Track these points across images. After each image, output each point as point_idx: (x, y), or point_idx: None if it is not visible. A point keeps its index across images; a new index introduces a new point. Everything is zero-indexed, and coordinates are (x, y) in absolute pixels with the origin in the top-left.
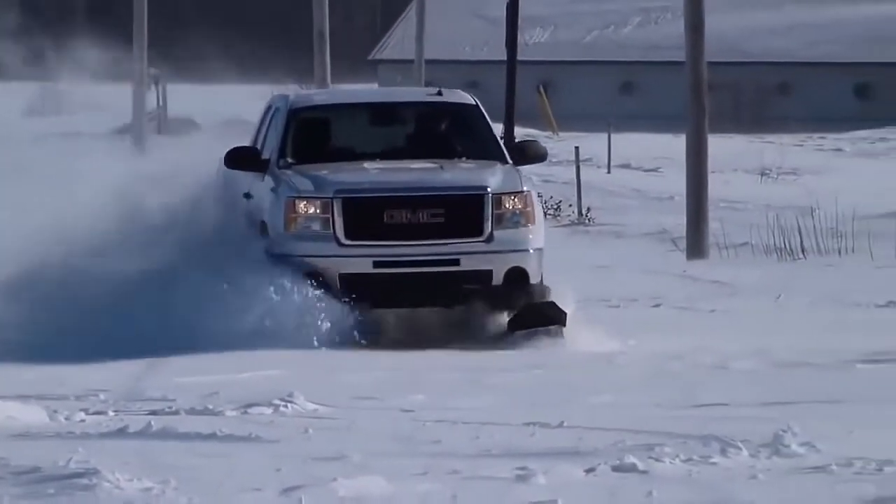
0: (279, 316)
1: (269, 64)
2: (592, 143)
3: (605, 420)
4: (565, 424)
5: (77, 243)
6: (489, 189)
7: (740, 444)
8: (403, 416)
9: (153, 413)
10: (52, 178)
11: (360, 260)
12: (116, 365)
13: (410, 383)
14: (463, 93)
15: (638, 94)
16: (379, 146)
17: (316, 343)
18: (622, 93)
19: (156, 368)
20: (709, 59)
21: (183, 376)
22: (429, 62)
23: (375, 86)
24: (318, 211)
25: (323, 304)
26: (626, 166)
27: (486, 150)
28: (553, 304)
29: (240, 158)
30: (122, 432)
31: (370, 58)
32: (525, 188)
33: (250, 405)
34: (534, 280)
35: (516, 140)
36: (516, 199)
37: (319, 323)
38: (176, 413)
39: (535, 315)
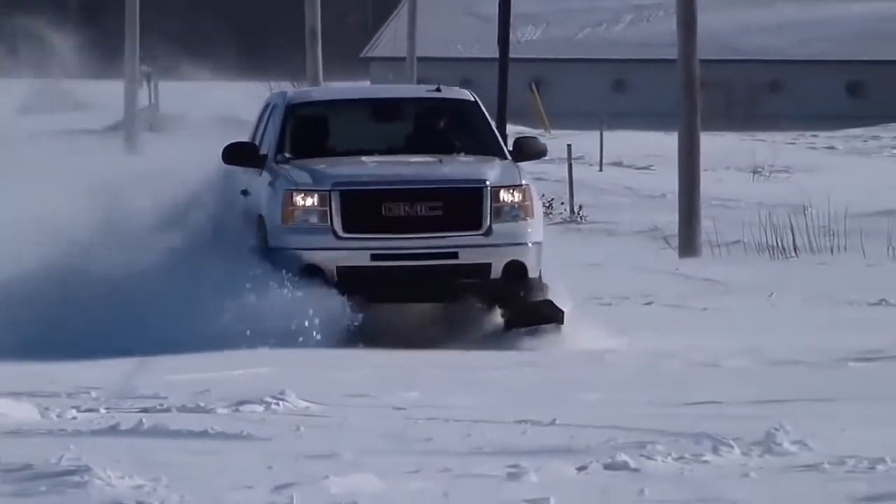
0: (272, 314)
1: (262, 62)
2: (584, 141)
3: (597, 418)
4: (557, 422)
5: (69, 241)
6: (488, 182)
7: (732, 443)
8: (395, 414)
9: (145, 411)
10: (43, 175)
11: (357, 253)
12: (108, 362)
13: (402, 381)
14: (462, 90)
15: (630, 91)
16: (377, 142)
17: (310, 341)
18: (614, 90)
19: (147, 366)
20: (701, 56)
21: (174, 374)
22: (421, 60)
23: (367, 83)
24: (315, 204)
25: (317, 302)
26: (619, 164)
27: (484, 146)
28: (550, 302)
29: (237, 154)
30: (113, 430)
31: (362, 55)
32: (524, 182)
33: (242, 403)
34: (532, 274)
35: (507, 137)
36: (515, 193)
37: (313, 321)
38: (167, 411)
39: (532, 313)
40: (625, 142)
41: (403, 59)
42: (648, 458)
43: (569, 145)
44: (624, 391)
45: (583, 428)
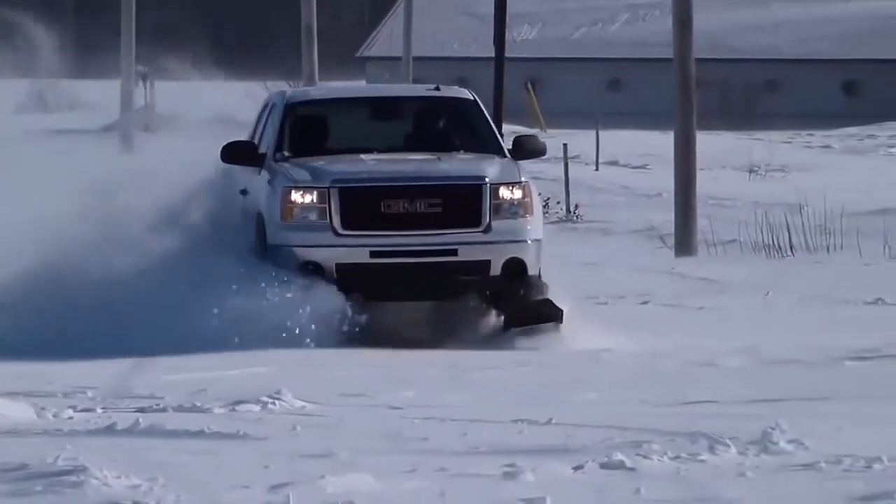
0: (268, 316)
1: (258, 61)
2: (580, 140)
3: (594, 417)
4: (553, 422)
5: (66, 241)
6: (487, 179)
7: (728, 442)
8: (391, 414)
9: (141, 410)
10: (39, 175)
11: (356, 250)
12: (104, 362)
13: (398, 380)
14: (461, 89)
15: (626, 90)
16: (376, 141)
17: (305, 344)
18: (610, 90)
19: (143, 366)
20: (697, 55)
21: (170, 374)
22: (417, 59)
23: (363, 83)
24: (314, 201)
25: (314, 303)
26: (615, 163)
27: (484, 144)
28: (549, 301)
29: (236, 152)
30: (109, 430)
31: (358, 55)
32: (523, 179)
33: (238, 402)
34: (532, 271)
35: (504, 137)
36: (514, 190)
37: (309, 324)
38: (164, 410)
39: (531, 312)
40: (621, 141)
41: (399, 58)
42: (645, 457)
43: (565, 144)
44: (620, 390)
45: (579, 427)
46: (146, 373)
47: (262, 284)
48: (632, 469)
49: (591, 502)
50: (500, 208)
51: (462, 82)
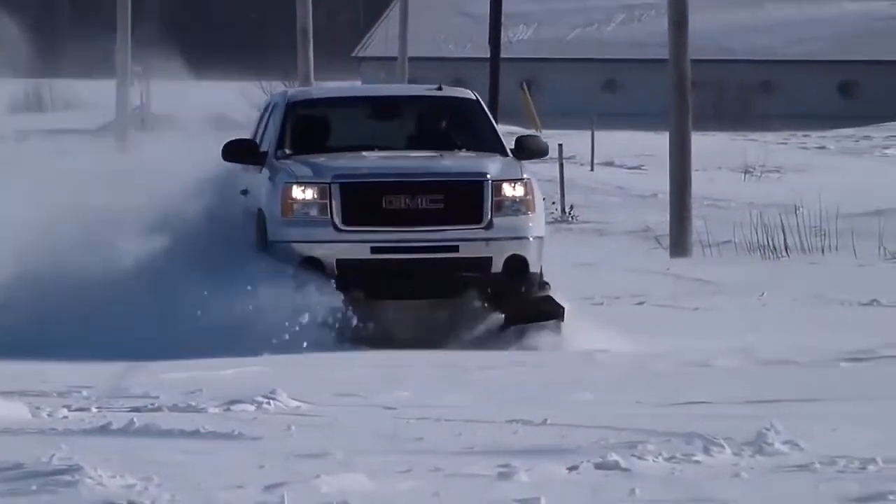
0: (264, 322)
1: (254, 61)
2: (576, 141)
3: (588, 418)
4: (548, 422)
5: (61, 240)
6: (489, 175)
7: (723, 443)
8: (386, 414)
9: (136, 410)
10: (36, 175)
11: (357, 246)
12: (99, 361)
13: (393, 380)
14: (464, 89)
15: (621, 91)
16: (378, 140)
17: (301, 348)
18: (605, 90)
19: (138, 365)
20: (692, 56)
21: (165, 373)
22: (412, 59)
23: (359, 83)
24: (315, 196)
25: (310, 308)
26: (610, 164)
27: (486, 144)
28: (551, 298)
29: (237, 151)
30: (104, 429)
31: (354, 55)
32: (525, 176)
33: (233, 402)
34: (533, 269)
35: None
36: (516, 187)
37: (307, 328)
38: (159, 410)
39: (532, 309)
40: (616, 142)
41: (395, 58)
42: (639, 457)
43: (560, 145)
44: (615, 391)
45: (574, 428)
46: (141, 372)
47: (259, 288)
48: (626, 470)
49: (585, 503)
50: (501, 205)
51: (458, 83)
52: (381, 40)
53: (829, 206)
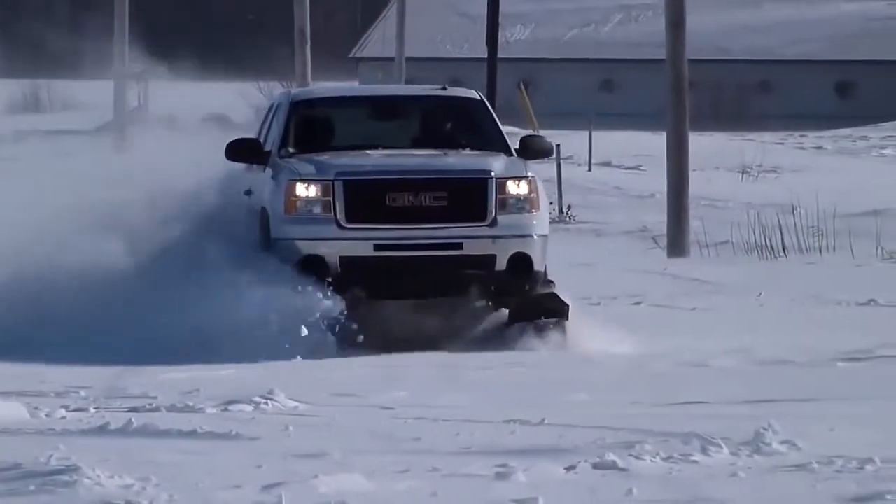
0: (262, 327)
1: (251, 62)
2: (573, 141)
3: (586, 418)
4: (545, 422)
5: (59, 241)
6: (493, 173)
7: (721, 442)
8: (383, 414)
9: (134, 410)
10: (33, 175)
11: (361, 243)
12: (97, 362)
13: (390, 380)
14: (468, 89)
15: (619, 91)
16: (382, 140)
17: (298, 356)
18: (603, 90)
19: (136, 366)
20: (689, 56)
21: (163, 373)
22: (409, 60)
23: (356, 83)
24: (319, 194)
25: (309, 312)
26: (607, 164)
27: (491, 144)
28: (555, 295)
29: (241, 150)
30: (102, 429)
31: (351, 55)
32: (529, 174)
33: (231, 402)
34: (538, 267)
35: None
36: (520, 185)
37: (303, 337)
38: (156, 410)
39: (536, 307)
40: (613, 142)
41: (392, 59)
42: (637, 457)
43: (557, 145)
44: (612, 391)
45: (571, 428)
46: (139, 373)
47: (256, 295)
48: (624, 469)
49: (583, 503)
50: (505, 203)
51: (455, 83)
52: (378, 41)
53: (826, 206)
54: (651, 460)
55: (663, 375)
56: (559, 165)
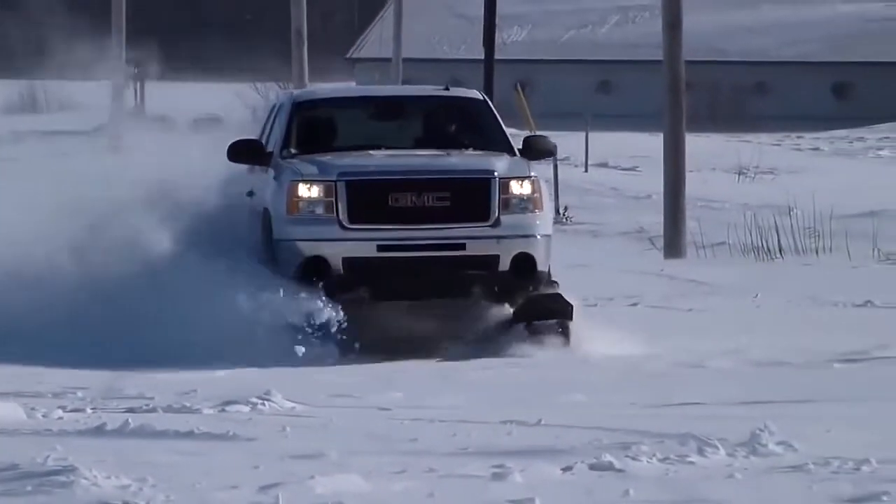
0: (259, 332)
1: (248, 63)
2: (570, 142)
3: (583, 419)
4: (542, 423)
5: (59, 241)
6: (496, 173)
7: (717, 443)
8: (380, 415)
9: (131, 411)
10: (31, 176)
11: (363, 244)
12: (94, 362)
13: (387, 381)
14: (471, 89)
15: (616, 92)
16: (384, 140)
17: (298, 355)
18: (600, 91)
19: (133, 367)
20: (686, 58)
21: (160, 374)
22: (406, 61)
23: (353, 84)
24: (321, 194)
25: (306, 318)
26: (604, 165)
27: (494, 144)
28: (559, 296)
29: (243, 151)
30: (99, 430)
31: (348, 56)
32: (533, 174)
33: (228, 403)
34: (541, 267)
35: None
36: (524, 185)
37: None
38: (153, 411)
39: (540, 308)
40: (610, 143)
41: (389, 59)
42: (633, 458)
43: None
44: (609, 392)
45: (568, 428)
46: (136, 373)
47: (253, 301)
48: (620, 470)
49: (579, 503)
50: (508, 203)
51: (452, 84)
52: (375, 42)
53: (822, 207)
54: (647, 461)
55: (660, 376)
56: (556, 166)
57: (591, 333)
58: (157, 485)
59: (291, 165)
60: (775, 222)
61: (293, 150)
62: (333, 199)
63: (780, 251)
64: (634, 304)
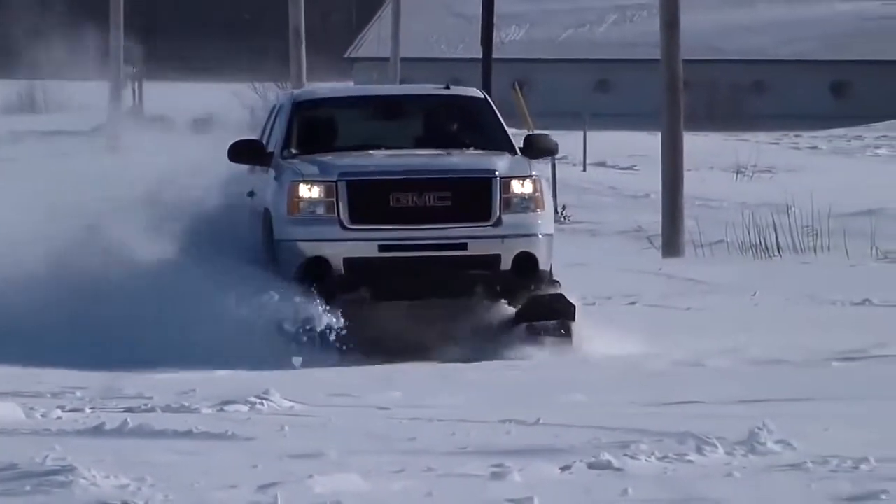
0: (256, 335)
1: (246, 63)
2: (568, 141)
3: (581, 418)
4: (541, 422)
5: (58, 242)
6: (497, 172)
7: (716, 442)
8: (379, 414)
9: (129, 410)
10: (30, 176)
11: (365, 244)
12: (93, 362)
13: (386, 381)
14: (472, 88)
15: (613, 91)
16: (385, 140)
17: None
18: (598, 90)
19: (132, 366)
20: (684, 56)
21: (159, 374)
22: (404, 60)
23: (351, 84)
24: (322, 194)
25: (303, 321)
26: (602, 164)
27: (495, 143)
28: (562, 296)
29: (243, 151)
30: (98, 430)
31: (346, 56)
32: (534, 173)
33: (226, 403)
34: (543, 267)
35: None
36: (525, 184)
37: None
38: (152, 410)
39: (542, 308)
40: (608, 142)
41: (387, 59)
42: (632, 457)
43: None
44: (607, 391)
45: (567, 428)
46: (134, 373)
47: (255, 300)
48: (619, 469)
49: (578, 503)
50: (510, 202)
51: (451, 83)
52: (373, 41)
53: (820, 205)
54: (646, 460)
55: (658, 375)
56: (554, 165)
57: (589, 332)
58: (155, 484)
59: (292, 165)
60: (773, 221)
61: (294, 150)
62: (334, 200)
63: (779, 250)
64: (633, 303)
